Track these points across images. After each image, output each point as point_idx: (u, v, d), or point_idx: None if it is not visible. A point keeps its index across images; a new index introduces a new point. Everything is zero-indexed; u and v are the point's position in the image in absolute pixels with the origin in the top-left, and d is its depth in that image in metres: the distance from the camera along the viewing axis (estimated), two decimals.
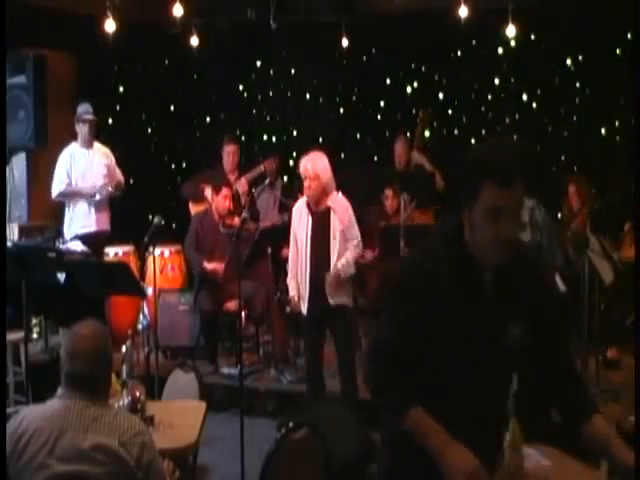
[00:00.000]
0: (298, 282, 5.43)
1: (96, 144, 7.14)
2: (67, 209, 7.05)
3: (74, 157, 7.00)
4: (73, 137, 7.07)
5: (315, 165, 5.32)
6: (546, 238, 4.33)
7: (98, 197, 6.99)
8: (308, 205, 5.41)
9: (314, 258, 5.33)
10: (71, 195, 6.98)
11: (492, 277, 2.33)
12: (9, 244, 6.81)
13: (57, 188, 6.95)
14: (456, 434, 2.24)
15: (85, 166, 6.99)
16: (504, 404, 2.29)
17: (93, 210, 7.02)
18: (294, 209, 5.59)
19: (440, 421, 2.26)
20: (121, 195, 7.31)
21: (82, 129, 7.00)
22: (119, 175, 7.25)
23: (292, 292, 5.50)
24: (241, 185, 7.53)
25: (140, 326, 6.46)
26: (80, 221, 6.98)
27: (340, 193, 5.49)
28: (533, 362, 2.39)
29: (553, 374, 2.43)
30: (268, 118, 9.57)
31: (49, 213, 7.52)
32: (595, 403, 2.47)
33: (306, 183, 5.33)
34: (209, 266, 6.65)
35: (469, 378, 2.30)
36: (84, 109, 7.01)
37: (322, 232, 5.32)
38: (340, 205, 5.36)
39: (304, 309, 5.41)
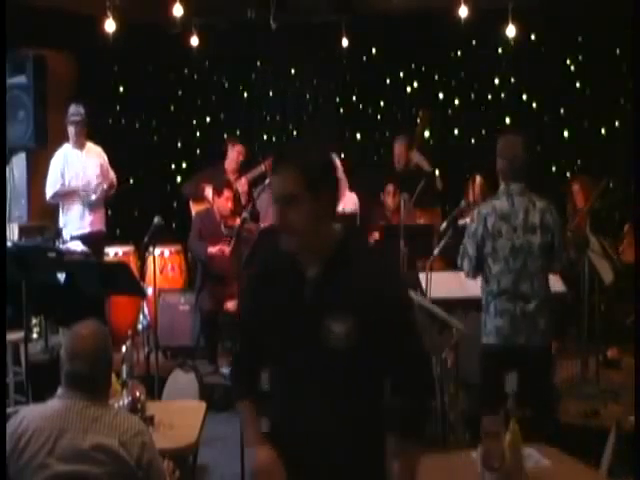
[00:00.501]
0: None
1: (89, 144, 7.12)
2: (61, 212, 7.03)
3: (67, 158, 6.99)
4: (68, 138, 7.08)
5: None
6: (557, 240, 4.32)
7: (93, 197, 6.97)
8: None
9: None
10: (65, 195, 6.97)
11: (317, 274, 2.27)
12: (9, 244, 6.79)
13: (51, 189, 6.94)
14: (301, 429, 2.30)
15: (78, 166, 6.98)
16: (343, 403, 2.28)
17: (87, 212, 6.99)
18: None
19: (289, 415, 2.34)
20: (114, 195, 7.28)
21: (70, 130, 6.99)
22: (112, 175, 7.20)
23: None
24: (241, 185, 7.52)
25: (140, 326, 6.47)
26: (75, 224, 6.95)
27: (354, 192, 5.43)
28: (363, 362, 2.27)
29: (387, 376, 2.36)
30: (268, 118, 9.57)
31: (49, 213, 7.50)
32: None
33: None
34: (213, 249, 6.61)
35: (299, 377, 2.32)
36: (72, 110, 6.97)
37: None
38: (348, 200, 5.32)
39: None
